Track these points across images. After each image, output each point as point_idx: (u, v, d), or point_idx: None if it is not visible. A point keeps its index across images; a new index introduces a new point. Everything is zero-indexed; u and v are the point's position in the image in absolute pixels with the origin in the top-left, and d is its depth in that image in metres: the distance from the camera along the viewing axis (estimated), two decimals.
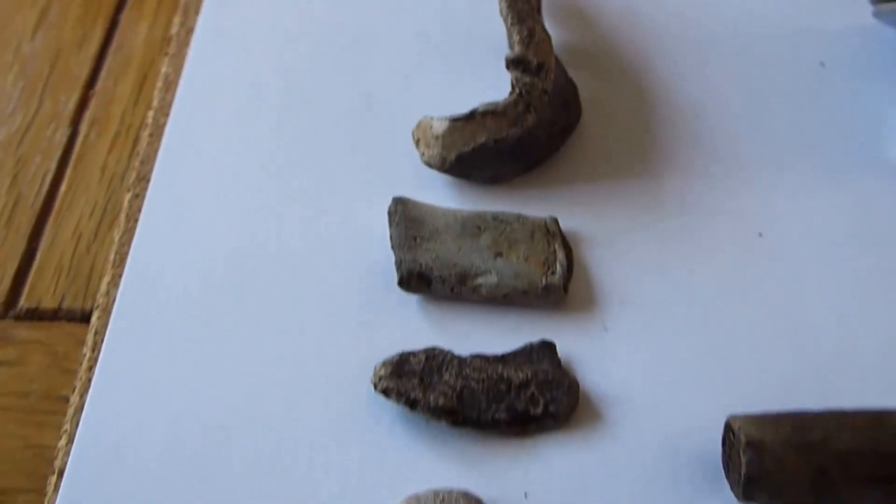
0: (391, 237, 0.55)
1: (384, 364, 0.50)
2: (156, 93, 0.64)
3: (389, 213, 0.55)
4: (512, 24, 0.58)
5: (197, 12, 0.68)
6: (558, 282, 0.53)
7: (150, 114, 0.63)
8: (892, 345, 0.53)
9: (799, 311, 0.54)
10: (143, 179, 0.60)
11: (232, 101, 0.63)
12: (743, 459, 0.46)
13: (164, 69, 0.65)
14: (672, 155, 0.61)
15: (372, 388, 0.50)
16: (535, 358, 0.51)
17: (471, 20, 0.67)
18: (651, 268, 0.56)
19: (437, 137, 0.56)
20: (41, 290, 0.59)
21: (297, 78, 0.64)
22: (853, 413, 0.47)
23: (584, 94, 0.62)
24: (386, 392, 0.50)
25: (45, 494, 0.49)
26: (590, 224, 0.58)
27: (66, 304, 0.59)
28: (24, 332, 0.58)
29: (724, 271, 0.56)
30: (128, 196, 0.59)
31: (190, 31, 0.67)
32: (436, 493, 0.47)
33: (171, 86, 0.64)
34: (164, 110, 0.63)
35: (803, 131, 0.62)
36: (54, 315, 0.59)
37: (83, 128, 0.66)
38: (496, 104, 0.56)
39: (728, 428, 0.48)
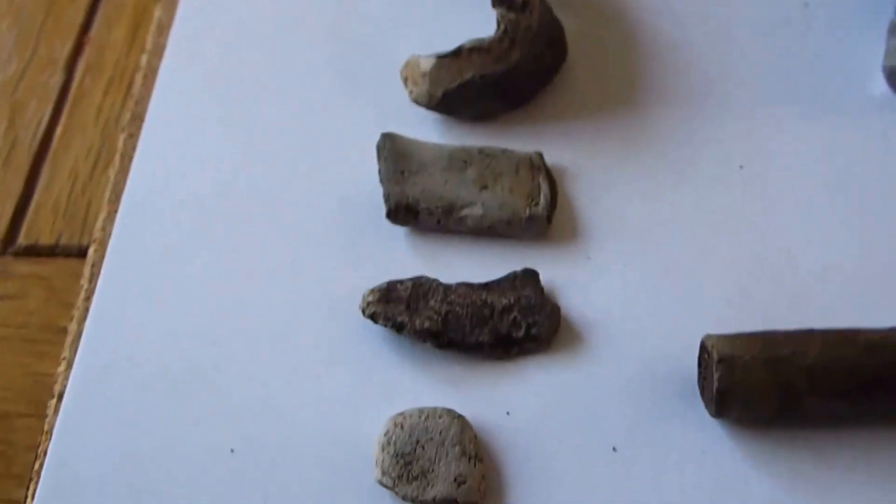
0: (380, 171, 0.59)
1: (372, 291, 0.55)
2: (149, 37, 0.68)
3: (378, 148, 0.59)
4: None
5: None
6: (542, 213, 0.57)
7: (144, 57, 0.67)
8: (865, 268, 0.57)
9: (776, 240, 0.58)
10: (138, 119, 0.64)
11: (223, 41, 0.67)
12: (715, 375, 0.50)
13: (157, 13, 0.69)
14: (656, 91, 0.64)
15: (360, 313, 0.54)
16: (519, 285, 0.56)
17: None
18: (634, 199, 0.60)
19: (424, 74, 0.61)
20: (39, 228, 0.63)
21: (289, 18, 0.68)
22: (823, 331, 0.51)
23: (570, 33, 0.65)
24: (374, 317, 0.54)
25: (44, 418, 0.53)
26: (575, 158, 0.61)
27: (63, 241, 0.63)
28: (23, 267, 0.62)
29: (705, 202, 0.60)
30: (123, 136, 0.63)
31: None
32: (420, 411, 0.52)
33: (163, 29, 0.68)
34: (158, 53, 0.67)
35: (786, 69, 0.65)
36: (52, 251, 0.63)
37: (78, 73, 0.70)
38: (482, 40, 0.60)
39: (703, 347, 0.52)
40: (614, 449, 0.52)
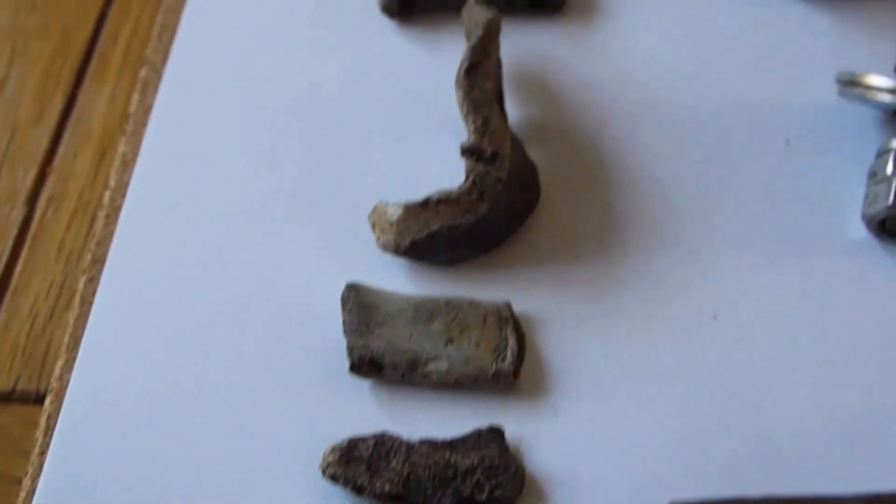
0: (343, 322, 0.60)
1: (333, 450, 0.56)
2: (113, 172, 0.70)
3: (343, 299, 0.61)
4: (467, 112, 0.63)
5: (156, 90, 0.73)
6: (508, 368, 0.59)
7: (107, 194, 0.68)
8: (842, 431, 0.58)
9: (749, 395, 0.59)
10: (99, 262, 0.65)
11: (187, 182, 0.69)
12: None
13: (121, 148, 0.71)
14: (630, 235, 0.66)
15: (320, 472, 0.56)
16: (483, 443, 0.57)
17: (434, 98, 0.72)
18: (604, 350, 0.61)
19: (391, 223, 0.62)
20: None
21: (255, 160, 0.70)
22: (793, 498, 0.53)
23: (545, 172, 0.67)
24: (334, 478, 0.55)
25: None
26: (545, 306, 0.63)
27: (20, 386, 0.64)
28: None
29: (677, 355, 0.61)
30: (83, 279, 0.65)
31: (148, 110, 0.72)
32: None
33: (128, 165, 0.69)
34: (121, 191, 0.68)
35: (764, 210, 0.67)
36: (9, 396, 0.64)
37: (40, 205, 0.72)
38: (450, 192, 0.62)
39: None
40: None
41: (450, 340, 0.59)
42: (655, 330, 0.62)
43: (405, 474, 0.55)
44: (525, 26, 0.76)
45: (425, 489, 0.55)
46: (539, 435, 0.58)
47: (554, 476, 0.57)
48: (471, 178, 0.62)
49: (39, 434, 0.59)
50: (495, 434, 0.57)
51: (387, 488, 0.55)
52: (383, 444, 0.56)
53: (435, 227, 0.62)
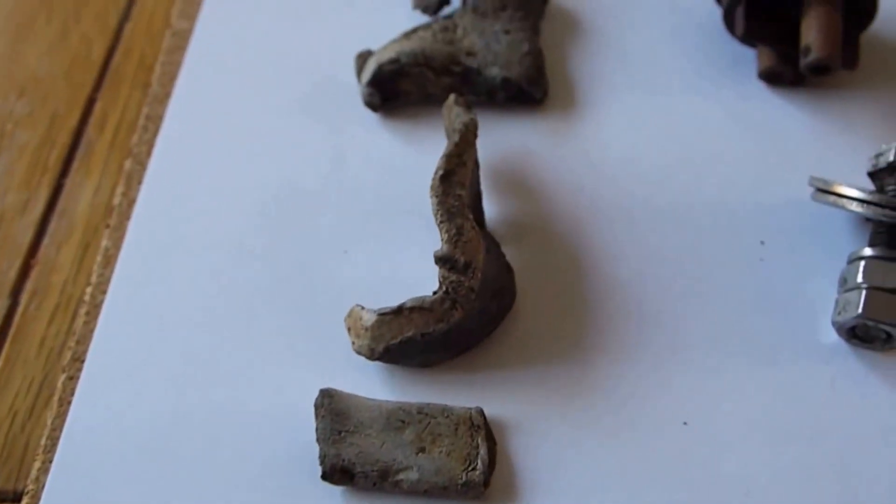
0: (317, 430, 0.63)
1: None
2: (95, 267, 0.72)
3: (316, 406, 0.63)
4: (441, 221, 0.66)
5: (140, 182, 0.76)
6: (478, 478, 0.61)
7: (89, 290, 0.71)
8: None
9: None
10: (78, 360, 0.67)
11: (167, 278, 0.71)
12: None
13: (104, 242, 0.73)
14: (604, 339, 0.68)
15: None
16: None
17: (413, 193, 0.74)
18: (575, 455, 0.63)
19: (365, 329, 0.65)
20: None
21: (234, 256, 0.72)
22: None
23: (521, 270, 0.70)
24: None
25: None
26: (517, 411, 0.65)
27: None
28: None
29: (648, 461, 0.63)
30: (62, 377, 0.67)
31: (132, 203, 0.74)
32: None
33: (110, 260, 0.72)
34: (102, 287, 0.70)
35: (737, 313, 0.69)
36: None
37: (24, 298, 0.74)
38: (423, 300, 0.64)
39: None
40: None
41: (421, 450, 0.62)
42: (627, 436, 0.64)
43: None
44: (505, 119, 0.79)
45: None
46: None
47: None
48: (443, 287, 0.64)
49: None
50: None
51: None
52: None
53: (409, 333, 0.64)
